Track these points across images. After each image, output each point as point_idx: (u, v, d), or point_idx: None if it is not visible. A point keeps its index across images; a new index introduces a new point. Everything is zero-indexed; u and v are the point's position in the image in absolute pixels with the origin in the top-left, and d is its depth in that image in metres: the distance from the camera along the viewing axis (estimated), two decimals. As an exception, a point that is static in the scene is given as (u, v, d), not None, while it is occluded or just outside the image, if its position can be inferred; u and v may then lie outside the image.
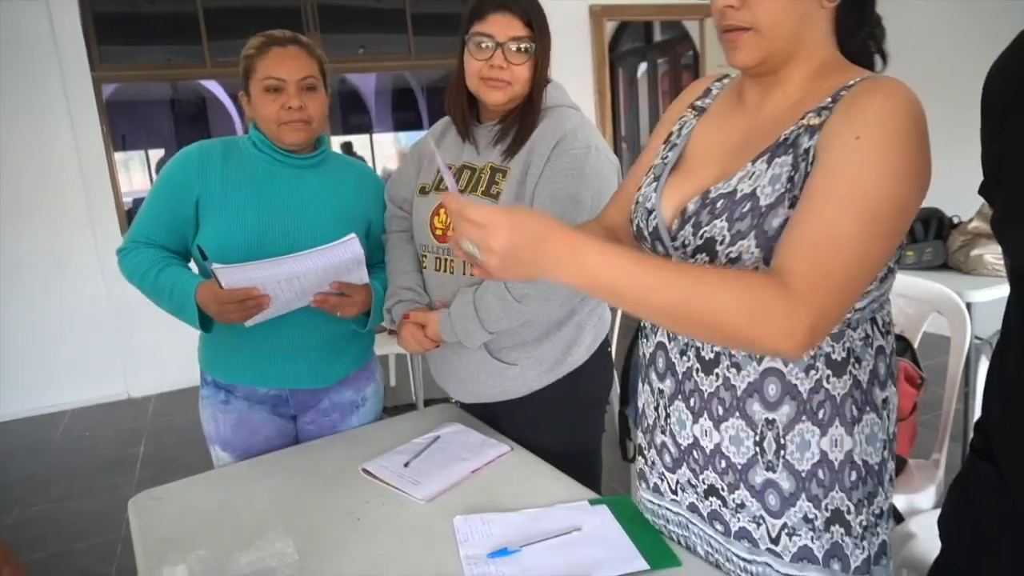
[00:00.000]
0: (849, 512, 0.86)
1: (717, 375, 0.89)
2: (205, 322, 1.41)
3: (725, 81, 1.02)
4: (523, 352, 1.41)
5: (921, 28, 4.16)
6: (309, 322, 1.48)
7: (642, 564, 0.98)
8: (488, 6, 1.33)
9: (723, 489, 0.91)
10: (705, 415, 0.90)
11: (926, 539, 1.41)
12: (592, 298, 1.44)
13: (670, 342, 0.94)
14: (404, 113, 10.25)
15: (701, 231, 0.86)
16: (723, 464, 0.90)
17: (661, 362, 0.96)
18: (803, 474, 0.86)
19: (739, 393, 0.87)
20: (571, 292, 1.37)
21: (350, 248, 1.35)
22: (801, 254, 0.73)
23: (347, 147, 8.00)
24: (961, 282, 2.29)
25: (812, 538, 0.86)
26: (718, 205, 0.85)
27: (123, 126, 5.22)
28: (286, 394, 1.55)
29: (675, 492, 0.99)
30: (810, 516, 0.86)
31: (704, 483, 0.93)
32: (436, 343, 1.42)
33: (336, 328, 1.51)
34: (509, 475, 1.31)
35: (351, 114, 9.74)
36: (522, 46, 1.32)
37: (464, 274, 1.37)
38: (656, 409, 0.98)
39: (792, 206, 0.79)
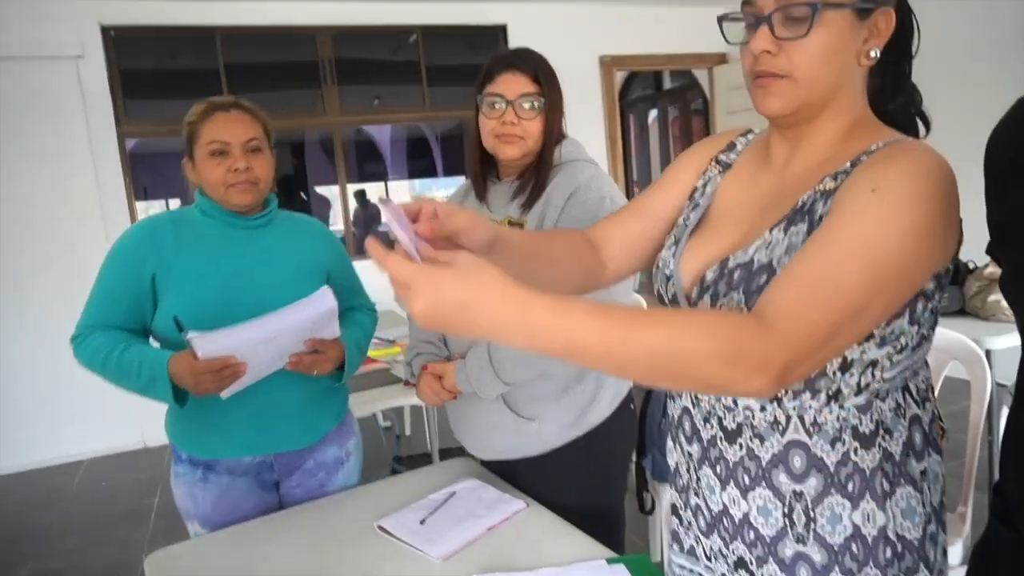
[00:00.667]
0: None
1: (740, 445, 0.86)
2: (178, 396, 1.37)
3: (750, 136, 0.99)
4: (542, 407, 1.41)
5: (940, 79, 4.19)
6: (286, 382, 1.45)
7: (661, 627, 0.97)
8: (497, 67, 1.39)
9: (752, 563, 0.88)
10: (732, 483, 0.88)
11: (954, 598, 1.37)
12: None
13: (694, 407, 0.92)
14: (419, 161, 10.42)
15: (719, 303, 0.83)
16: (752, 535, 0.87)
17: (687, 426, 0.94)
18: (836, 547, 0.83)
19: (764, 464, 0.85)
20: None
21: (324, 301, 1.36)
22: (788, 293, 0.70)
23: (360, 195, 8.13)
24: (979, 328, 2.27)
25: None
26: (735, 276, 0.82)
27: (145, 177, 5.34)
28: (271, 459, 1.52)
29: (710, 559, 0.95)
30: None
31: (734, 554, 0.90)
32: (453, 394, 1.43)
33: (313, 384, 1.49)
34: (525, 532, 1.29)
35: (366, 162, 9.92)
36: (532, 102, 1.38)
37: None
38: (688, 471, 0.95)
39: None
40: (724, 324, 0.68)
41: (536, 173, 1.42)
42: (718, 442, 0.88)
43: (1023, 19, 3.48)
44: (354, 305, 1.65)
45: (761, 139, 0.95)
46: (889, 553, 0.82)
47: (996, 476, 0.75)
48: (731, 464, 0.87)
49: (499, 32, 5.08)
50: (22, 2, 3.92)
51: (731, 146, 0.99)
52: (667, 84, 7.20)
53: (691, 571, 0.99)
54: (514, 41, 5.02)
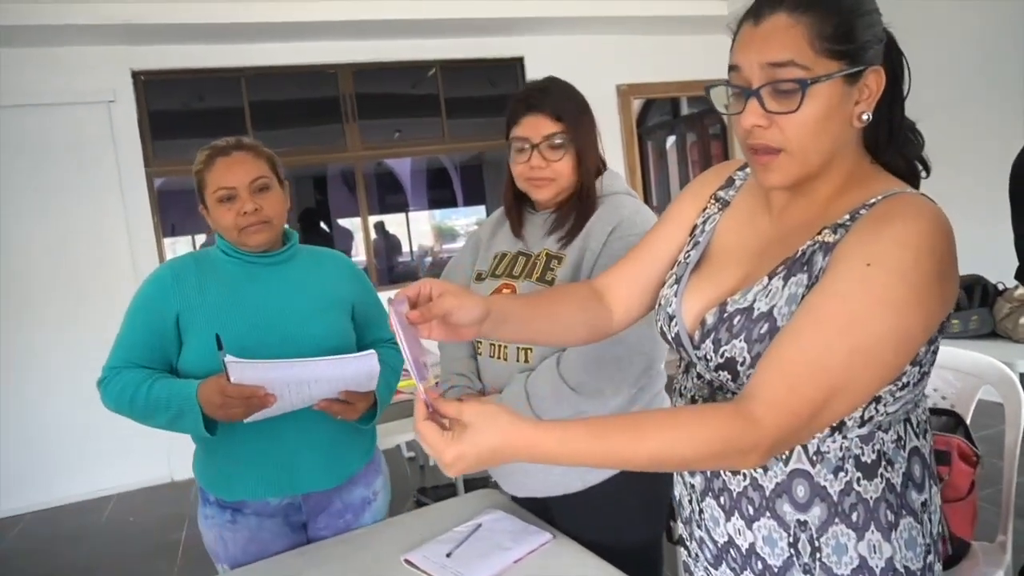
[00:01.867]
0: None
1: (744, 475, 0.87)
2: (208, 426, 1.36)
3: (748, 170, 0.99)
4: None
5: (964, 77, 4.17)
6: (314, 422, 1.44)
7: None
8: (519, 111, 1.38)
9: None
10: (736, 514, 0.88)
11: (997, 630, 1.33)
12: (654, 386, 1.42)
13: None
14: (438, 191, 10.52)
15: (721, 349, 0.84)
16: (760, 566, 0.87)
17: None
18: None
19: (768, 493, 0.85)
20: (631, 379, 1.35)
21: (367, 363, 1.35)
22: (775, 381, 0.72)
23: (380, 226, 8.22)
24: (1012, 351, 2.22)
25: None
26: (735, 322, 0.83)
27: (173, 215, 5.45)
28: (299, 501, 1.51)
29: None
30: None
31: None
32: None
33: (341, 423, 1.47)
34: (551, 565, 1.28)
35: (387, 194, 10.04)
36: (555, 142, 1.36)
37: (518, 361, 1.38)
38: (690, 502, 0.96)
39: None
40: (713, 425, 0.72)
41: (577, 208, 1.39)
42: (721, 473, 0.89)
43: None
44: (380, 338, 1.64)
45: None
46: None
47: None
48: (735, 494, 0.88)
49: (516, 64, 5.16)
50: (59, 52, 4.08)
51: (730, 182, 1.00)
52: (684, 110, 7.24)
53: None
54: (531, 74, 5.09)
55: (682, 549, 1.02)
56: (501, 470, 1.48)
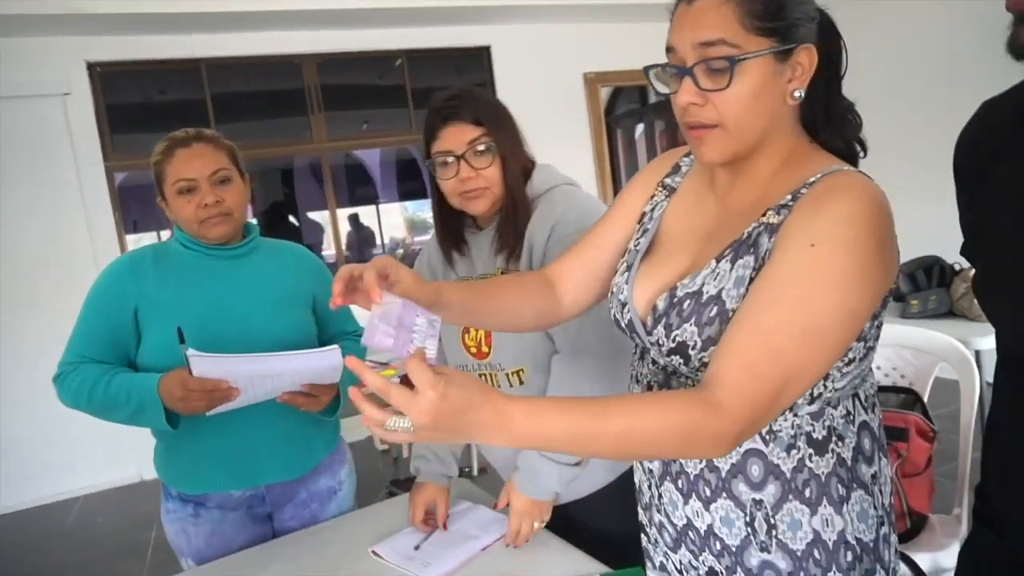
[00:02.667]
0: None
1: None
2: (170, 419, 1.34)
3: (694, 157, 0.99)
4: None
5: (924, 66, 4.26)
6: (275, 413, 1.42)
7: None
8: (436, 124, 1.30)
9: (722, 573, 0.90)
10: (694, 496, 0.89)
11: (953, 600, 1.37)
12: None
13: None
14: (409, 183, 10.45)
15: (673, 334, 0.85)
16: (718, 546, 0.89)
17: None
18: (799, 553, 0.85)
19: (723, 474, 0.86)
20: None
21: (330, 358, 1.34)
22: (734, 367, 0.73)
23: (354, 218, 8.14)
24: (967, 329, 2.28)
25: None
26: (685, 306, 0.84)
27: (135, 210, 5.34)
28: (262, 492, 1.50)
29: (681, 573, 0.97)
30: None
31: (704, 565, 0.92)
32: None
33: (302, 414, 1.45)
34: (520, 550, 1.29)
35: (357, 187, 9.94)
36: (480, 147, 1.28)
37: (511, 386, 1.33)
38: (650, 488, 0.97)
39: None
40: (678, 409, 0.72)
41: (514, 220, 1.32)
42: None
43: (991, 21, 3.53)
44: (343, 331, 1.64)
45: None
46: (850, 557, 0.85)
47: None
48: (692, 477, 0.89)
49: (483, 54, 5.13)
50: (7, 42, 3.94)
51: (676, 168, 1.01)
52: (653, 98, 7.26)
53: None
54: (499, 62, 5.07)
55: (642, 535, 1.03)
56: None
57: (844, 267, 0.73)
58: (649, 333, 0.89)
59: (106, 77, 4.27)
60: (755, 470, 0.85)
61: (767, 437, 0.84)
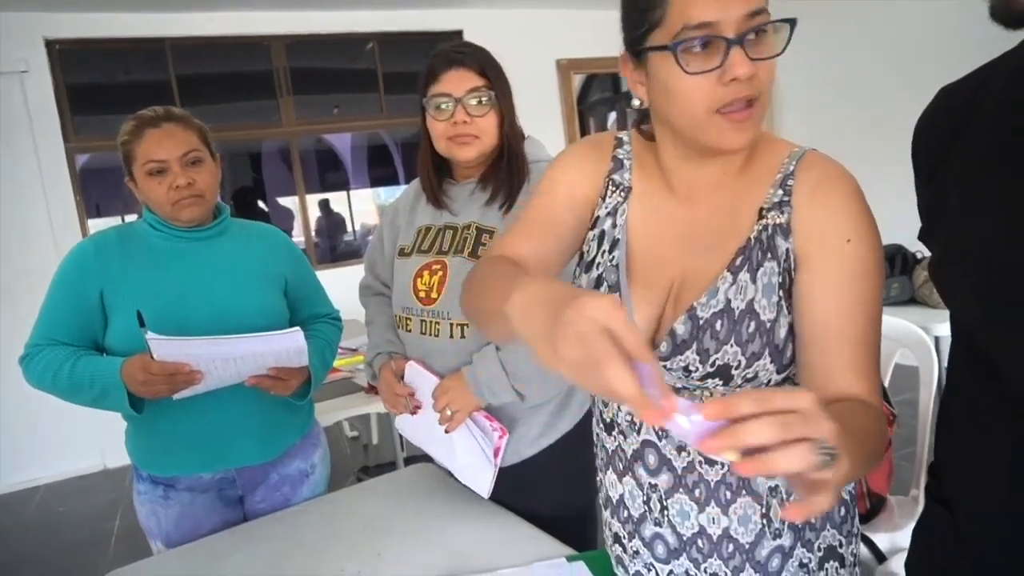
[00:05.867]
0: (841, 546, 0.89)
1: (723, 464, 0.86)
2: (134, 403, 1.33)
3: (627, 148, 0.93)
4: (511, 421, 1.36)
5: (890, 58, 4.34)
6: (246, 396, 1.41)
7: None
8: (440, 66, 1.31)
9: (727, 575, 0.89)
10: (712, 503, 0.87)
11: (909, 578, 1.41)
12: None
13: (660, 440, 0.89)
14: (380, 169, 10.34)
15: (712, 358, 0.80)
16: (730, 548, 0.88)
17: (652, 459, 0.90)
18: (799, 523, 0.87)
19: None
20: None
21: (293, 339, 1.33)
22: (868, 377, 0.77)
23: (324, 204, 8.04)
24: (928, 316, 2.34)
25: None
26: (718, 327, 0.79)
27: (98, 194, 5.21)
28: (232, 475, 1.48)
29: None
30: (804, 560, 0.87)
31: (706, 572, 0.90)
32: (410, 393, 1.40)
33: (275, 397, 1.44)
34: (486, 534, 1.29)
35: (328, 172, 9.82)
36: (481, 97, 1.30)
37: (451, 337, 1.33)
38: (647, 503, 0.92)
39: (788, 308, 0.79)
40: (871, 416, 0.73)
41: (507, 172, 1.33)
42: (697, 467, 0.87)
43: (958, 20, 3.60)
44: (316, 314, 1.62)
45: (646, 159, 0.90)
46: (843, 511, 0.90)
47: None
48: (712, 484, 0.87)
49: (455, 38, 5.08)
50: (-39, 17, 3.81)
51: (619, 164, 0.92)
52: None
53: None
54: (471, 47, 5.04)
55: (616, 546, 0.99)
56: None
57: (877, 253, 0.79)
58: (666, 360, 0.83)
59: (66, 55, 4.14)
60: None
61: None
